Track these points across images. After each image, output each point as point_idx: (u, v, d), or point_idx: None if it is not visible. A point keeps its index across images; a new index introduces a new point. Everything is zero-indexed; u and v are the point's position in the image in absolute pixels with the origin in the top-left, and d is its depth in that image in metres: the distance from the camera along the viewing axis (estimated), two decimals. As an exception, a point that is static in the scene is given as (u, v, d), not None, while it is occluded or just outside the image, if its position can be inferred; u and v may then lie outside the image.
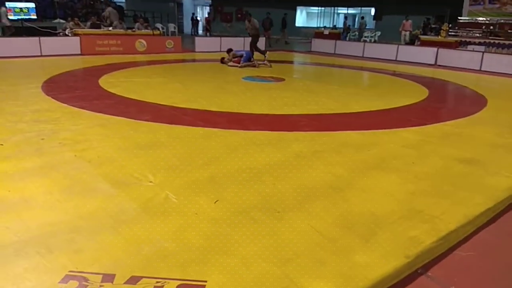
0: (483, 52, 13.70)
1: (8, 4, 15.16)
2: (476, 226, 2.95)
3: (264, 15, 19.95)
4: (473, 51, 14.47)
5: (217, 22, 29.90)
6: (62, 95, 6.59)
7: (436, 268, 2.45)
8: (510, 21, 15.28)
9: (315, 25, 28.91)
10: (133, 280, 2.08)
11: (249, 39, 13.12)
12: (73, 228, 2.54)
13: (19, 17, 15.01)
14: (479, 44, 15.29)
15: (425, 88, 9.01)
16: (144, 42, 14.54)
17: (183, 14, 31.17)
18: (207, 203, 2.96)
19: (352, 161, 4.01)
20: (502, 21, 15.47)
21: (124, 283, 2.05)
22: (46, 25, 15.72)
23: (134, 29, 15.05)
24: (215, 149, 4.19)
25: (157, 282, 2.07)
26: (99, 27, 14.56)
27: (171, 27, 21.95)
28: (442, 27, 16.81)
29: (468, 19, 16.56)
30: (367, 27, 23.89)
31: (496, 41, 15.02)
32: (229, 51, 11.97)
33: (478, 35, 15.83)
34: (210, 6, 31.50)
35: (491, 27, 15.67)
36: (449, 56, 14.12)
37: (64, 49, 12.80)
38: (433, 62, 14.16)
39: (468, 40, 15.76)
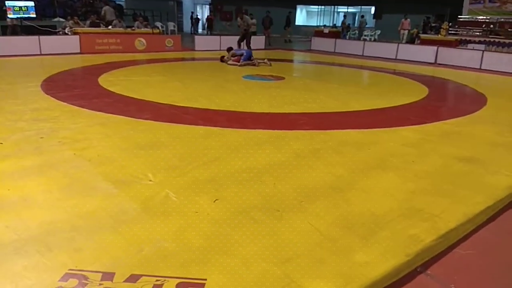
0: (483, 51, 13.70)
1: (7, 2, 15.14)
2: (476, 224, 2.95)
3: (264, 13, 19.94)
4: (473, 49, 14.48)
5: (217, 21, 29.87)
6: (61, 93, 6.59)
7: (435, 267, 2.45)
8: (510, 20, 15.27)
9: (315, 24, 28.91)
10: (133, 278, 2.08)
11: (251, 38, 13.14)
12: (72, 227, 2.54)
13: (19, 15, 15.00)
14: (479, 42, 15.29)
15: (425, 86, 9.00)
16: (144, 41, 14.53)
17: (183, 13, 31.14)
18: (207, 203, 2.95)
19: (352, 160, 4.01)
20: (502, 19, 15.46)
21: (124, 281, 2.05)
22: (46, 23, 15.71)
23: (133, 28, 15.03)
24: (215, 148, 4.18)
25: (157, 280, 2.07)
26: (99, 26, 14.55)
27: (171, 25, 21.94)
28: (442, 26, 16.81)
29: (468, 18, 16.56)
30: (367, 25, 23.86)
31: (496, 40, 15.02)
32: (229, 50, 11.96)
33: (478, 33, 15.83)
34: (210, 4, 31.46)
35: (491, 26, 15.66)
36: (449, 54, 14.11)
37: (63, 48, 12.79)
38: (433, 61, 14.15)
39: (468, 38, 15.76)
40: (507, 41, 14.67)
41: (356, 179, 3.53)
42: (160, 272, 2.13)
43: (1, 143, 4.10)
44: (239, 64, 11.24)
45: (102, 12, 15.15)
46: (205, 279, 2.09)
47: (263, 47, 17.29)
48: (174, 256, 2.28)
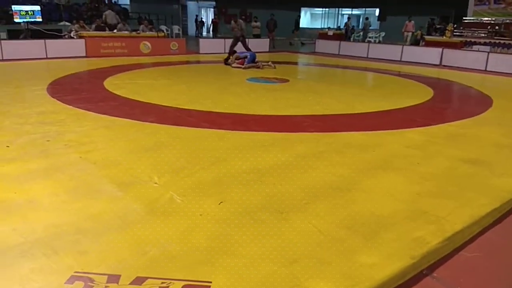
0: (488, 52, 13.62)
1: (14, 7, 15.27)
2: (482, 226, 2.93)
3: (268, 16, 19.97)
4: (478, 51, 14.38)
5: (221, 24, 29.96)
6: (67, 97, 6.63)
7: (441, 269, 2.44)
8: (516, 21, 15.20)
9: (319, 26, 28.91)
10: (139, 280, 2.08)
11: (252, 40, 13.05)
12: (78, 230, 2.56)
13: (25, 19, 15.10)
14: (484, 44, 15.21)
15: (430, 88, 8.97)
16: (149, 44, 14.59)
17: (187, 16, 31.29)
18: (212, 204, 2.96)
19: (356, 162, 4.00)
20: (507, 21, 15.36)
21: (129, 283, 2.06)
22: (52, 27, 15.82)
23: (138, 31, 15.11)
24: (220, 150, 4.19)
25: (162, 282, 2.07)
26: (104, 30, 14.63)
27: (176, 29, 22.00)
28: (447, 27, 16.75)
29: (473, 19, 16.47)
30: (371, 27, 23.83)
31: (502, 41, 14.92)
32: (232, 52, 11.97)
33: (483, 35, 15.74)
34: (214, 8, 31.58)
35: (497, 27, 15.56)
36: (454, 56, 14.06)
37: (69, 52, 12.88)
38: (438, 63, 14.10)
39: (473, 40, 15.68)
40: (512, 42, 14.60)
41: (361, 180, 3.52)
42: (166, 274, 2.14)
43: (8, 146, 4.13)
44: (243, 66, 11.26)
45: (103, 17, 15.23)
46: (211, 282, 2.09)
47: (267, 49, 17.32)
48: (180, 258, 2.29)
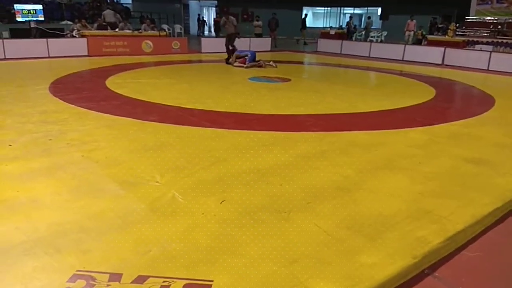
0: (490, 52, 13.59)
1: (16, 6, 15.31)
2: (484, 226, 2.93)
3: (270, 15, 19.95)
4: (480, 50, 14.36)
5: (223, 23, 29.95)
6: (69, 96, 6.64)
7: (443, 269, 2.44)
8: (518, 21, 15.16)
9: (321, 25, 28.88)
10: (140, 279, 2.09)
11: (254, 39, 13.02)
12: (81, 228, 2.56)
13: (27, 18, 15.14)
14: (487, 43, 15.17)
15: (432, 88, 8.95)
16: (151, 43, 14.61)
17: (189, 15, 31.28)
18: (214, 204, 2.96)
19: (359, 161, 3.99)
20: (510, 20, 15.33)
21: (131, 282, 2.06)
22: (54, 26, 15.85)
23: (140, 30, 15.13)
24: (222, 149, 4.19)
25: (164, 281, 2.08)
26: (106, 29, 14.65)
27: (177, 28, 21.98)
28: (450, 27, 16.71)
29: (475, 19, 16.44)
30: (373, 27, 23.78)
31: (504, 41, 14.89)
32: (231, 51, 11.97)
33: (485, 34, 15.71)
34: (216, 7, 31.57)
35: (499, 27, 15.54)
36: (456, 55, 14.03)
37: (71, 51, 12.91)
38: (440, 62, 14.07)
39: (475, 39, 15.64)
40: (515, 42, 14.56)
41: (363, 180, 3.52)
42: (167, 273, 2.14)
43: (10, 145, 4.14)
44: (245, 66, 11.26)
45: (102, 17, 15.23)
46: (212, 280, 2.09)
47: (269, 49, 17.31)
48: (181, 257, 2.29)
